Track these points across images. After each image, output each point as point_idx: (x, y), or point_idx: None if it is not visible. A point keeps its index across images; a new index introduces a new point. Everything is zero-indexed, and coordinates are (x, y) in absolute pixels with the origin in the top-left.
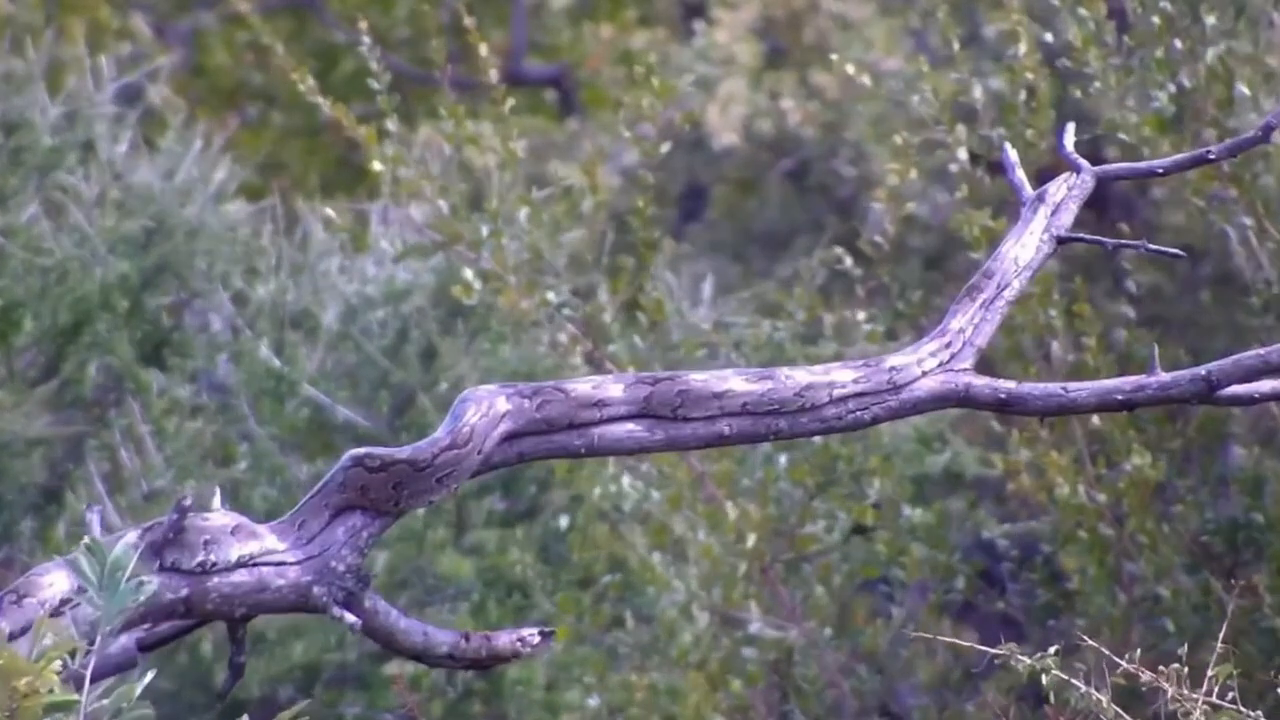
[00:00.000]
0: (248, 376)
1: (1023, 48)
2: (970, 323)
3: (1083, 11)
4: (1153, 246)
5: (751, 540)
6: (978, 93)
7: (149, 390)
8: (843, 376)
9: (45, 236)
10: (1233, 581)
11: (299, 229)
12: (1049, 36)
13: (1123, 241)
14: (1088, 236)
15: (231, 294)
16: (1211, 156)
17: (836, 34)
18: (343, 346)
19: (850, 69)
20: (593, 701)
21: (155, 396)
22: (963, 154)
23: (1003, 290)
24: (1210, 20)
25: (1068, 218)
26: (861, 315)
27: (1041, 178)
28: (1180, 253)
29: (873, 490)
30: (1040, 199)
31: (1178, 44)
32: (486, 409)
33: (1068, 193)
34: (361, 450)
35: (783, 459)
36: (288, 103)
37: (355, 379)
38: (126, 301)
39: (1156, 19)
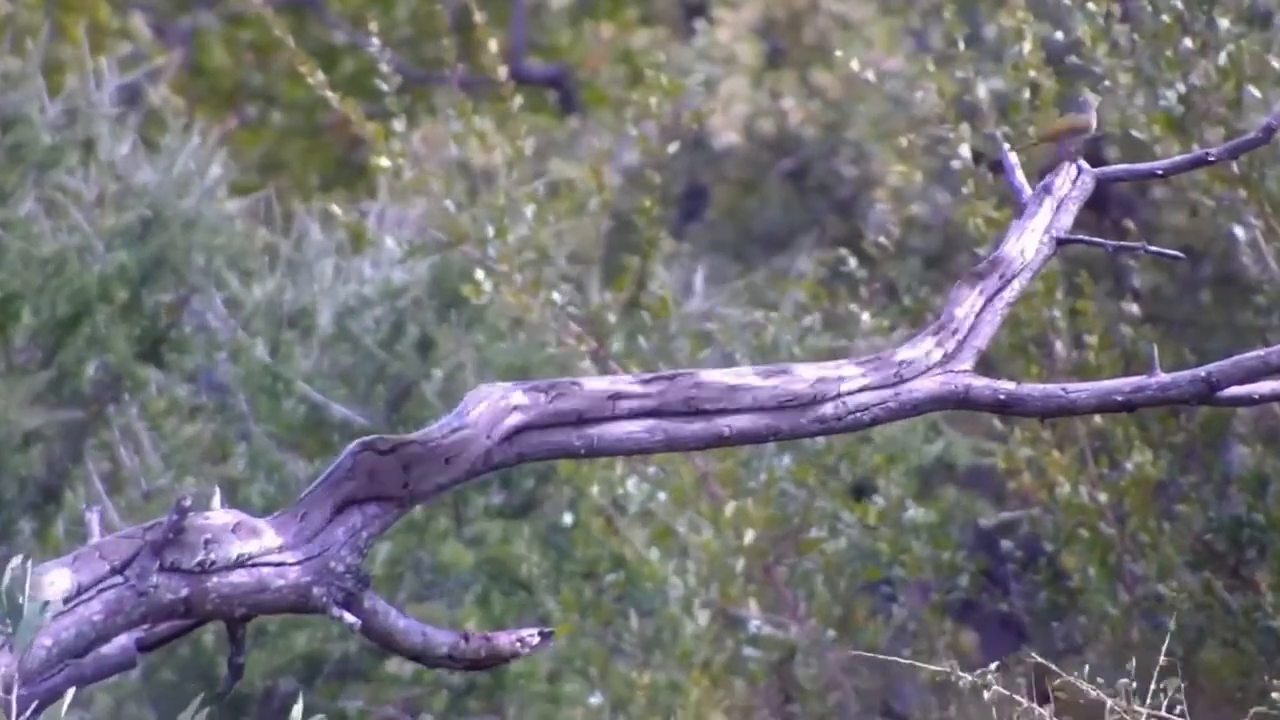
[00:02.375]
0: (245, 374)
1: (1027, 46)
2: (971, 310)
3: (1092, 7)
4: (1153, 248)
5: (749, 536)
6: (982, 91)
7: (146, 387)
8: (851, 371)
9: (44, 232)
10: (1237, 578)
11: (294, 228)
12: (1059, 35)
13: (1122, 243)
14: (1087, 238)
15: (227, 294)
16: (1211, 158)
17: (836, 34)
18: (338, 347)
19: (855, 64)
20: (595, 699)
21: (155, 395)
22: (965, 151)
23: (1004, 287)
24: (1224, 23)
25: (1068, 219)
26: (866, 315)
27: (1042, 177)
28: (1180, 255)
29: (879, 497)
30: (1046, 190)
31: (1188, 43)
32: (499, 399)
33: (1069, 191)
34: (371, 436)
35: (786, 458)
36: (287, 103)
37: (351, 376)
38: (125, 293)
39: (1167, 17)
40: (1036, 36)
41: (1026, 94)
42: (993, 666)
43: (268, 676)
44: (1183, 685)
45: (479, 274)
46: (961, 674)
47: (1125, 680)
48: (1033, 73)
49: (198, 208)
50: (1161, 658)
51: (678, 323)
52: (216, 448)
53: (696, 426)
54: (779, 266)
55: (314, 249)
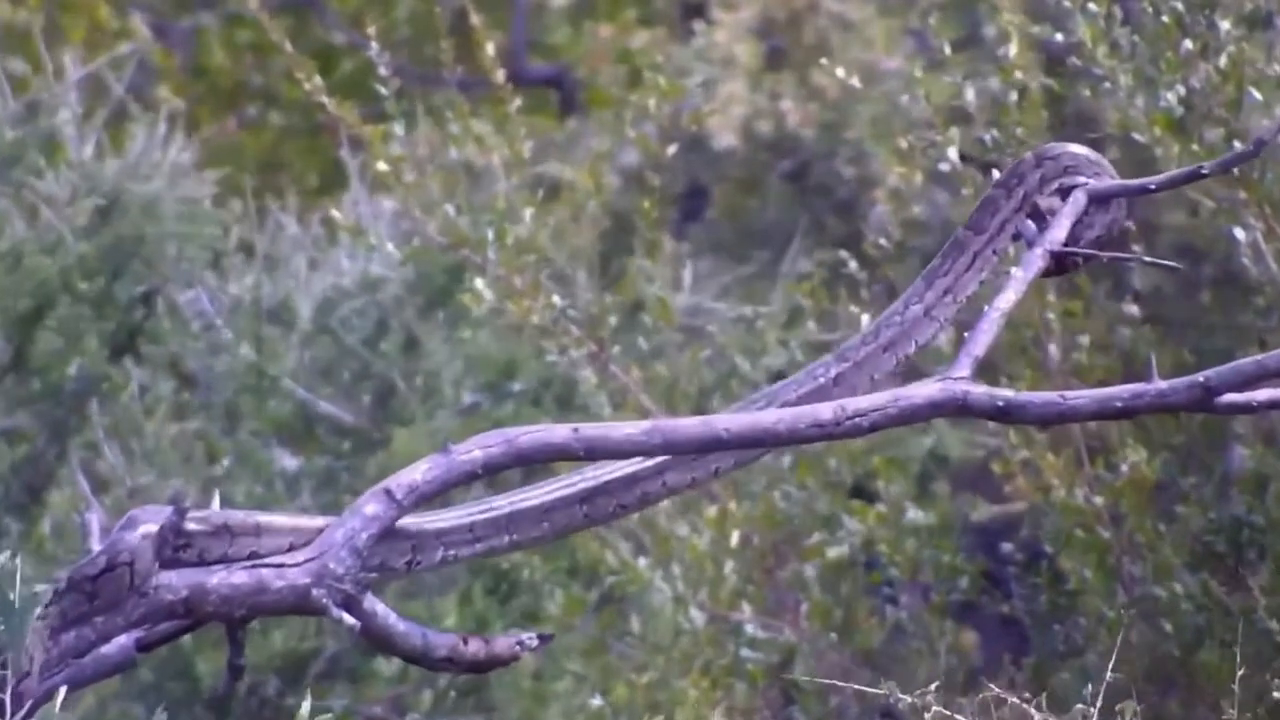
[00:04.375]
0: (229, 371)
1: (1013, 48)
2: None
3: (1093, 8)
4: (1149, 259)
5: (735, 538)
6: (970, 95)
7: (121, 389)
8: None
9: (9, 226)
10: (1238, 578)
11: (269, 223)
12: (1059, 36)
13: (1119, 255)
14: (1083, 250)
15: (208, 292)
16: (1205, 172)
17: (836, 34)
18: (320, 342)
19: (840, 72)
20: (596, 701)
21: (136, 392)
22: (953, 154)
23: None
24: (1225, 25)
25: (1061, 233)
26: (866, 316)
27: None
28: (1177, 265)
29: (880, 505)
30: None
31: (1188, 45)
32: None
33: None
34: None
35: (786, 459)
36: (287, 103)
37: (335, 373)
38: (88, 284)
39: (1167, 19)
40: (1024, 38)
41: (1014, 96)
42: (932, 686)
43: (253, 673)
44: (1139, 709)
45: (478, 282)
46: (900, 695)
47: (1082, 706)
48: (1019, 74)
49: (158, 192)
50: (1108, 674)
51: (680, 315)
52: (201, 445)
53: (694, 428)
54: (766, 261)
55: (289, 243)
